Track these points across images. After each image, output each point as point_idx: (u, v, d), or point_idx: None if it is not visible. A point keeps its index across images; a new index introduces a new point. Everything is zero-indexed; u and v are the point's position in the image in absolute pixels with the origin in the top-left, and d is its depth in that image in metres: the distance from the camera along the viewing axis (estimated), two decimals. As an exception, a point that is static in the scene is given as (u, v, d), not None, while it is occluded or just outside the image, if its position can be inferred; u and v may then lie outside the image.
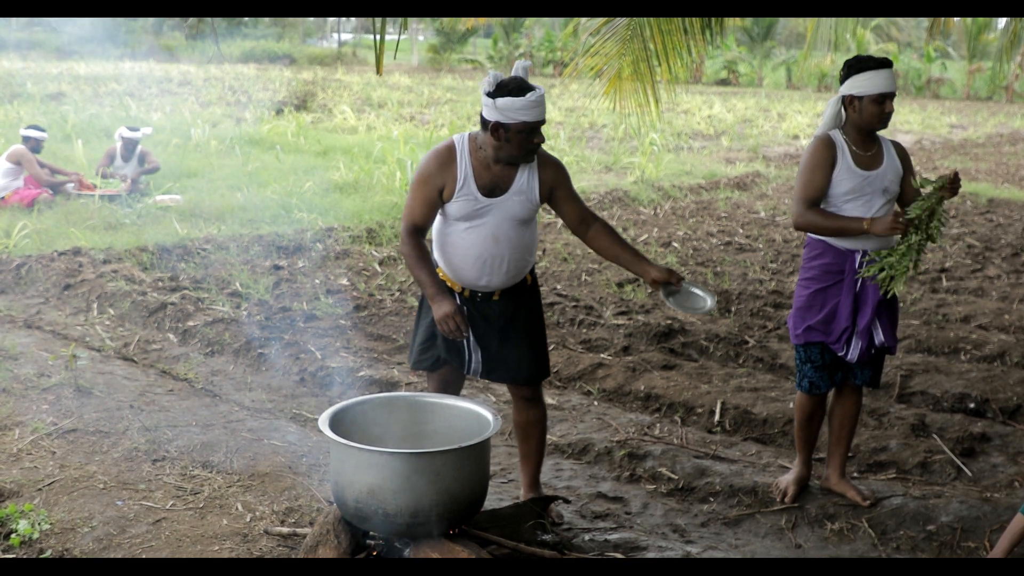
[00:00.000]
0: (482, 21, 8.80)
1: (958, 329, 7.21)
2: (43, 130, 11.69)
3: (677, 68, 7.62)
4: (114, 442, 4.96)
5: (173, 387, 5.91)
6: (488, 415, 3.76)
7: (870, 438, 5.26)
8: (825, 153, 4.28)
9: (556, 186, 4.07)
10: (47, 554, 3.89)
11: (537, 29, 49.36)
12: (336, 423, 3.64)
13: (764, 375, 6.29)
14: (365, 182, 12.88)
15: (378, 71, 4.98)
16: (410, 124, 20.51)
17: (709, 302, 4.09)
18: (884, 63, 4.21)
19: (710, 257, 9.63)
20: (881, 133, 4.44)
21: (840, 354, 4.36)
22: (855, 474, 4.95)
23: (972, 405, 5.79)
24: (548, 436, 5.02)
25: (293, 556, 3.85)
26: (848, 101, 4.27)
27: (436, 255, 4.09)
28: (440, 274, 4.05)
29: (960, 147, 22.17)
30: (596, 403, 5.94)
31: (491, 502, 4.26)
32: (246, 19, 53.64)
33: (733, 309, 7.83)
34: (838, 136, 4.32)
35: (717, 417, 5.65)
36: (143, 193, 11.53)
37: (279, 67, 38.92)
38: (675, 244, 10.22)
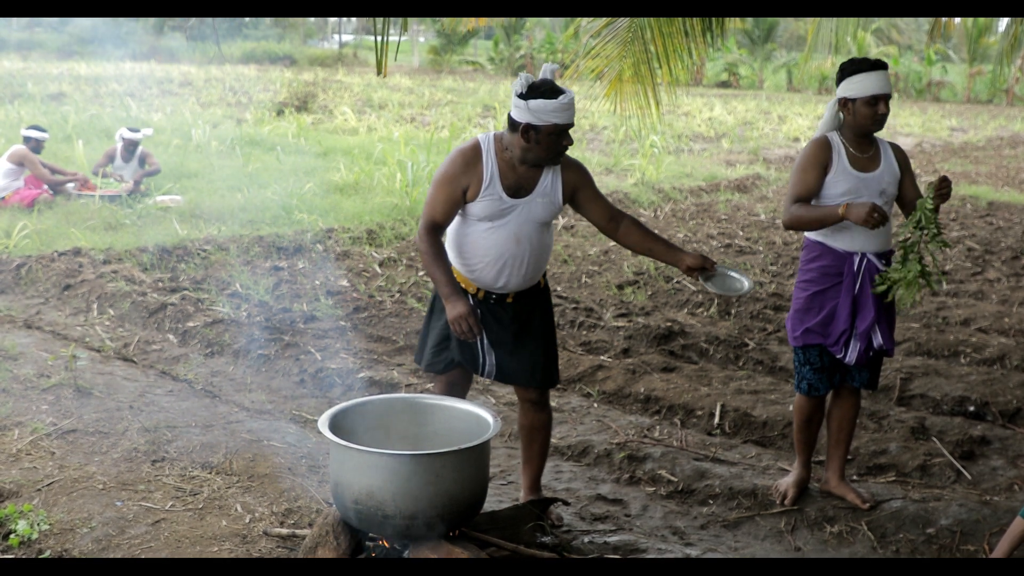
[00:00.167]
0: (483, 23, 8.79)
1: (958, 332, 7.21)
2: (44, 130, 11.69)
3: (678, 70, 7.62)
4: (114, 443, 4.96)
5: (173, 388, 5.91)
6: (488, 417, 3.76)
7: (870, 441, 5.26)
8: (819, 154, 4.30)
9: (579, 188, 4.08)
10: (46, 555, 3.89)
11: (538, 31, 49.39)
12: (336, 424, 3.64)
13: (764, 377, 6.29)
14: (365, 183, 12.88)
15: (381, 72, 4.97)
16: (411, 125, 20.51)
17: (746, 284, 4.13)
18: (876, 65, 4.21)
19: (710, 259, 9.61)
20: (880, 135, 4.45)
21: (838, 356, 4.37)
22: (855, 477, 4.95)
23: (972, 408, 5.79)
24: (548, 438, 5.02)
25: (292, 557, 3.85)
26: (843, 103, 4.29)
27: (452, 255, 4.07)
28: (455, 274, 4.05)
29: (960, 150, 22.17)
30: (596, 405, 5.94)
31: (491, 504, 4.27)
32: (247, 20, 53.66)
33: (733, 312, 7.83)
34: (835, 138, 4.33)
35: (717, 419, 5.65)
36: (143, 194, 11.52)
37: (280, 68, 38.92)
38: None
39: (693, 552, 4.16)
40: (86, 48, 40.24)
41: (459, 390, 4.31)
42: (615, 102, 7.75)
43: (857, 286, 4.30)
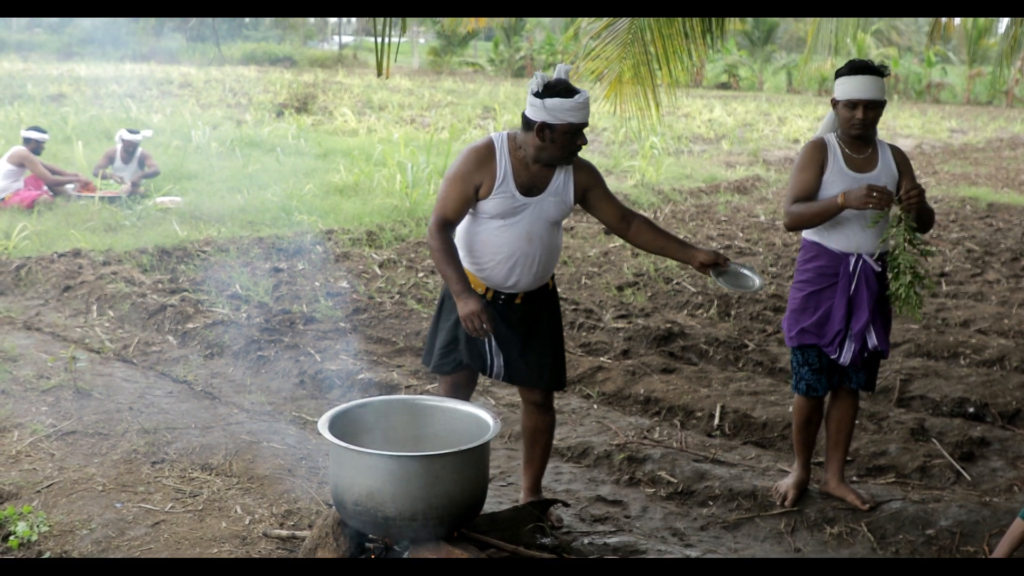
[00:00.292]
0: (483, 24, 8.79)
1: (957, 333, 7.21)
2: (44, 131, 11.69)
3: (678, 72, 7.63)
4: (113, 444, 4.95)
5: (172, 389, 5.91)
6: (488, 418, 3.76)
7: (869, 442, 5.26)
8: (814, 155, 4.32)
9: (590, 188, 4.10)
10: (46, 556, 3.88)
11: (538, 32, 49.42)
12: (335, 426, 3.64)
13: (764, 379, 6.29)
14: (365, 185, 12.88)
15: (383, 73, 4.97)
16: (411, 127, 20.52)
17: (758, 281, 4.14)
18: (864, 69, 4.20)
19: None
20: (881, 136, 4.45)
21: (833, 357, 4.37)
22: (854, 478, 4.95)
23: (971, 409, 5.79)
24: (547, 439, 5.02)
25: (292, 558, 3.85)
26: (833, 104, 4.32)
27: (462, 254, 4.05)
28: None
29: (960, 152, 22.18)
30: (596, 406, 5.94)
31: (490, 505, 4.27)
32: (247, 21, 53.69)
33: (733, 313, 7.83)
34: (832, 139, 4.35)
35: (717, 421, 5.65)
36: (142, 195, 11.52)
37: (280, 69, 38.95)
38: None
39: (693, 553, 4.16)
40: (86, 49, 40.28)
41: (464, 391, 4.30)
42: (615, 103, 7.75)
43: (852, 287, 4.30)
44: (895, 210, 4.17)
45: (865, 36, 39.68)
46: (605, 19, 7.57)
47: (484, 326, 3.80)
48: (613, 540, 4.18)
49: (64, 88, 24.12)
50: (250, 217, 10.59)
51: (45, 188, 11.20)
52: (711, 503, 4.70)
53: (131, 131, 12.04)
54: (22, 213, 10.47)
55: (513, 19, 45.13)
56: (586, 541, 4.17)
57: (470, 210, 3.99)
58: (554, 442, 5.26)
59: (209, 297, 7.70)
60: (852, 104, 4.21)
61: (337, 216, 10.96)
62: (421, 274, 8.79)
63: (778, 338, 7.13)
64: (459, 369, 4.19)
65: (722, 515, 4.59)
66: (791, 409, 5.39)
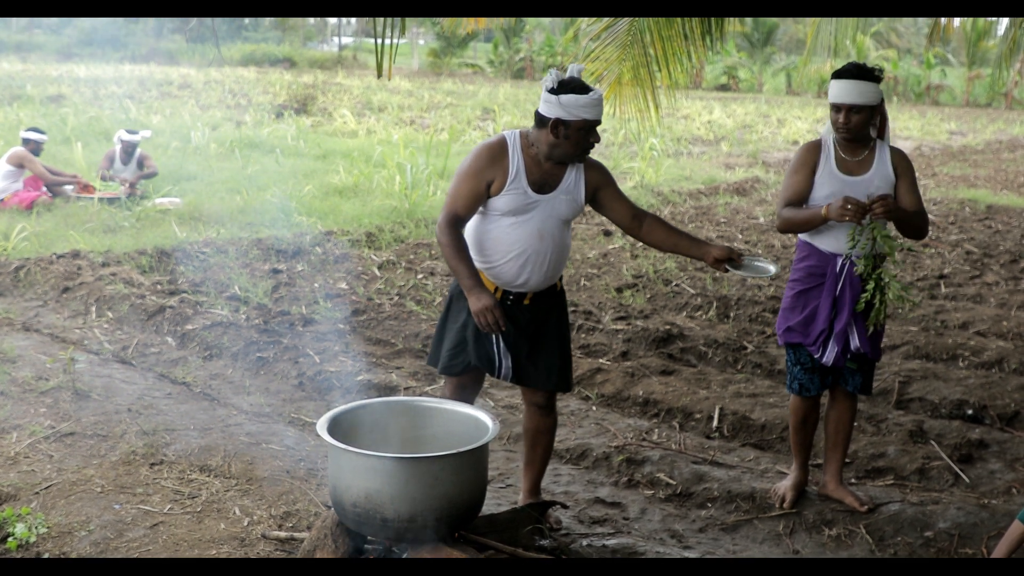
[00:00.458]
0: (482, 25, 8.80)
1: (956, 335, 7.22)
2: (43, 132, 11.70)
3: (677, 73, 7.63)
4: (112, 445, 4.95)
5: (171, 391, 5.91)
6: (487, 420, 3.76)
7: (868, 444, 5.26)
8: (807, 157, 4.36)
9: (601, 187, 4.11)
10: (44, 557, 3.88)
11: (538, 34, 49.43)
12: (334, 427, 3.64)
13: (762, 381, 6.29)
14: (365, 186, 12.88)
15: (382, 74, 4.96)
16: (410, 128, 20.52)
17: (773, 268, 4.15)
18: (845, 73, 4.21)
19: (709, 262, 9.61)
20: (889, 139, 4.46)
21: (816, 356, 4.38)
22: (853, 480, 4.95)
23: (970, 411, 5.79)
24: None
25: (291, 557, 3.85)
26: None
27: (472, 253, 4.03)
28: None
29: (959, 153, 22.19)
30: (594, 408, 5.94)
31: (489, 507, 4.27)
32: (246, 22, 53.70)
33: (732, 315, 7.83)
34: (828, 140, 4.37)
35: (715, 423, 5.65)
36: (141, 196, 11.52)
37: (279, 70, 38.94)
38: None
39: (691, 555, 4.16)
40: (85, 50, 40.28)
41: (470, 393, 4.30)
42: (614, 105, 7.76)
43: (839, 288, 4.31)
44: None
45: (864, 38, 39.69)
46: (605, 21, 7.58)
47: (498, 321, 3.80)
48: (612, 542, 4.18)
49: (63, 89, 24.12)
50: (249, 218, 10.59)
51: (44, 189, 11.20)
52: (710, 505, 4.70)
53: (130, 132, 12.04)
54: (21, 214, 10.47)
55: (513, 21, 45.15)
56: (585, 543, 4.17)
57: (480, 208, 3.99)
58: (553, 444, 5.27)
59: (208, 298, 7.70)
60: (836, 108, 4.25)
61: (336, 217, 10.96)
62: (420, 276, 8.79)
63: (776, 340, 7.13)
64: (467, 370, 4.19)
65: (721, 517, 4.59)
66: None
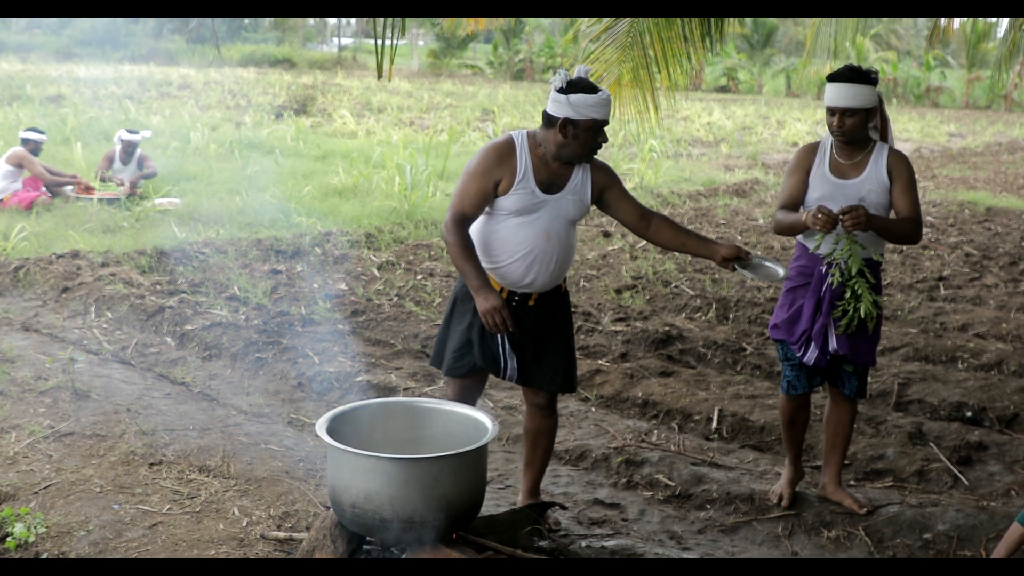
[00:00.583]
0: (482, 26, 8.79)
1: (955, 337, 7.22)
2: (42, 132, 11.70)
3: (677, 75, 7.63)
4: (111, 445, 4.95)
5: (170, 391, 5.91)
6: (486, 421, 3.76)
7: (867, 446, 5.26)
8: (802, 159, 4.39)
9: (607, 187, 4.12)
10: (43, 557, 3.88)
11: (537, 35, 49.45)
12: (333, 428, 3.64)
13: (762, 382, 6.29)
14: (364, 187, 12.88)
15: (382, 75, 4.97)
16: (409, 129, 20.52)
17: (781, 271, 4.16)
18: (839, 76, 4.21)
19: (708, 264, 9.63)
20: (892, 141, 4.46)
21: (798, 356, 4.39)
22: (852, 482, 4.95)
23: (969, 414, 5.79)
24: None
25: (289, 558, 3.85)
26: None
27: (478, 254, 4.03)
28: None
29: (959, 156, 22.19)
30: (594, 409, 5.94)
31: (488, 508, 4.27)
32: (246, 23, 53.71)
33: (731, 316, 7.83)
34: (826, 142, 4.37)
35: (714, 424, 5.65)
36: (141, 196, 11.52)
37: (279, 71, 38.91)
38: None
39: (690, 557, 4.16)
40: (85, 51, 40.28)
41: (474, 394, 4.30)
42: (614, 106, 7.75)
43: (823, 289, 4.31)
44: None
45: (864, 40, 39.69)
46: (604, 22, 7.58)
47: (506, 321, 3.80)
48: (610, 543, 4.18)
49: (63, 89, 24.12)
50: (249, 219, 10.59)
51: (43, 189, 11.19)
52: (709, 506, 4.70)
53: (130, 131, 12.04)
54: (20, 214, 10.47)
55: (512, 22, 45.17)
56: (583, 544, 4.17)
57: (487, 208, 3.99)
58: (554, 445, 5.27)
59: (207, 299, 7.70)
60: (831, 111, 4.25)
61: (336, 218, 10.96)
62: (420, 276, 8.79)
63: (776, 341, 7.13)
64: (472, 372, 4.19)
65: (719, 518, 4.59)
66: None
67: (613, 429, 5.53)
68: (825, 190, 4.28)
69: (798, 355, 4.40)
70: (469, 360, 4.12)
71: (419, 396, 5.81)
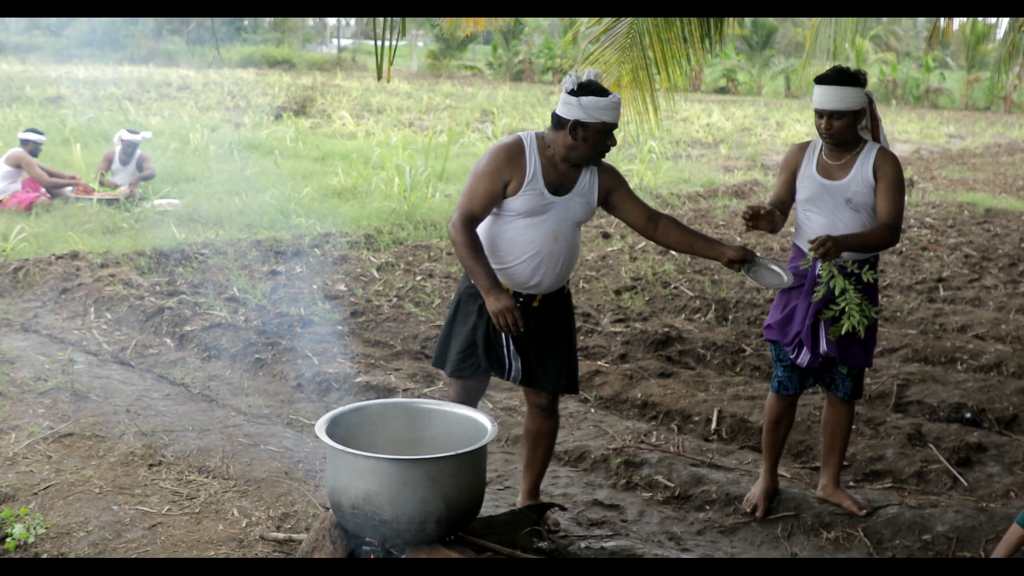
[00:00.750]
0: (481, 27, 8.79)
1: (955, 339, 7.22)
2: (41, 133, 11.70)
3: (676, 76, 7.63)
4: (110, 446, 4.95)
5: (170, 392, 5.91)
6: (485, 422, 3.76)
7: (866, 447, 5.26)
8: (790, 159, 4.44)
9: (614, 189, 4.12)
10: (43, 558, 3.88)
11: (536, 36, 49.47)
12: (333, 429, 3.64)
13: (761, 383, 6.29)
14: (363, 188, 12.88)
15: (382, 77, 4.97)
16: (409, 130, 20.52)
17: (786, 278, 4.19)
18: (825, 78, 4.21)
19: (708, 265, 9.63)
20: (885, 141, 4.46)
21: (792, 357, 4.39)
22: (851, 483, 4.95)
23: (968, 415, 5.79)
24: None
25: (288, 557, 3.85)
26: None
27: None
28: None
29: (958, 157, 22.20)
30: (593, 410, 5.94)
31: (487, 509, 4.26)
32: (246, 24, 53.72)
33: (730, 317, 7.83)
34: (817, 142, 4.39)
35: (714, 425, 5.65)
36: (141, 197, 11.52)
37: (278, 72, 38.95)
38: (673, 252, 10.22)
39: (689, 558, 4.16)
40: (84, 52, 40.28)
41: (477, 395, 4.30)
42: (613, 107, 7.73)
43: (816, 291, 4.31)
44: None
45: (863, 41, 39.72)
46: (604, 23, 7.58)
47: (518, 321, 3.81)
48: (610, 544, 4.18)
49: (62, 90, 24.12)
50: (248, 220, 10.59)
51: (43, 190, 11.19)
52: (708, 507, 4.70)
53: (131, 131, 12.04)
54: (20, 215, 10.47)
55: (512, 23, 45.17)
56: (583, 545, 4.17)
57: (495, 209, 3.99)
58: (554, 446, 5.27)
59: (207, 300, 7.70)
60: (819, 113, 4.25)
61: (335, 219, 10.96)
62: (419, 277, 8.80)
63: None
64: (477, 374, 4.19)
65: (719, 519, 4.59)
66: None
67: (612, 430, 5.53)
68: (813, 191, 4.30)
69: (791, 356, 4.40)
70: (474, 362, 4.12)
71: (418, 397, 5.81)
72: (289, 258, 9.26)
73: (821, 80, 4.22)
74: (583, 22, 8.40)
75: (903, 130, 27.30)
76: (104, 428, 5.17)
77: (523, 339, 4.07)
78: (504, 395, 6.08)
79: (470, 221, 3.91)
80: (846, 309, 4.16)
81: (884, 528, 4.38)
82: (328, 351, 6.61)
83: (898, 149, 22.47)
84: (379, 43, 4.87)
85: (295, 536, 4.01)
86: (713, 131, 24.26)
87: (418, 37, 57.06)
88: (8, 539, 3.94)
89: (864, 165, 4.27)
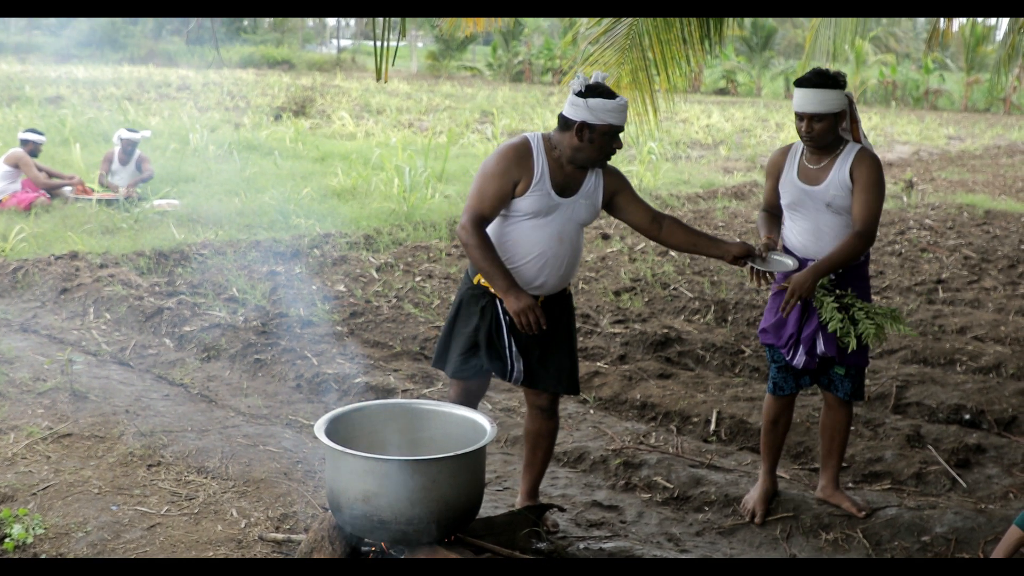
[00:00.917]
0: (481, 28, 8.80)
1: (954, 340, 7.22)
2: (41, 133, 11.70)
3: (676, 77, 7.63)
4: (109, 447, 4.95)
5: (169, 392, 5.91)
6: (484, 423, 3.76)
7: (865, 449, 5.26)
8: (773, 164, 4.48)
9: (618, 191, 4.14)
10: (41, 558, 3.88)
11: (536, 37, 49.50)
12: (332, 429, 3.64)
13: (760, 384, 6.29)
14: (363, 188, 12.88)
15: (381, 78, 4.96)
16: (408, 131, 20.52)
17: (791, 263, 4.23)
18: (805, 81, 4.20)
19: (707, 266, 9.64)
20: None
21: (787, 359, 4.39)
22: (850, 484, 4.95)
23: (967, 416, 5.79)
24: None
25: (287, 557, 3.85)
26: None
27: None
28: (484, 279, 4.03)
29: (957, 159, 22.20)
30: (592, 411, 5.94)
31: (486, 510, 4.26)
32: (245, 24, 53.72)
33: (730, 319, 7.83)
34: (798, 145, 4.38)
35: (713, 426, 5.65)
36: (140, 198, 11.52)
37: (278, 73, 38.96)
38: (672, 253, 10.23)
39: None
40: (84, 52, 40.28)
41: (477, 396, 4.30)
42: (613, 108, 7.73)
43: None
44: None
45: (863, 43, 39.73)
46: (603, 24, 7.58)
47: (540, 319, 3.82)
48: (609, 545, 4.18)
49: (62, 90, 24.13)
50: (247, 220, 10.59)
51: (42, 190, 11.19)
52: (707, 508, 4.70)
53: (130, 130, 12.04)
54: (19, 215, 10.47)
55: (511, 24, 45.19)
56: (582, 546, 4.17)
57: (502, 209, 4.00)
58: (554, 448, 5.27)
59: (206, 300, 7.70)
60: (799, 116, 4.24)
61: (334, 220, 10.96)
62: (418, 278, 8.80)
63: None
64: (479, 375, 4.19)
65: (718, 521, 4.59)
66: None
67: (611, 431, 5.53)
68: (794, 196, 4.31)
69: (787, 358, 4.40)
70: (476, 363, 4.12)
71: (417, 398, 5.81)
72: (288, 259, 9.26)
73: (800, 83, 4.21)
74: (583, 23, 8.40)
75: (902, 131, 27.30)
76: (103, 428, 5.17)
77: (526, 340, 4.08)
78: (503, 396, 6.08)
79: (480, 222, 3.91)
80: (839, 319, 4.17)
81: (883, 529, 4.38)
82: (327, 352, 6.61)
83: (897, 151, 22.48)
84: (378, 44, 4.87)
85: (294, 537, 4.01)
86: (713, 132, 24.27)
87: (418, 38, 57.08)
88: (7, 539, 3.94)
89: (842, 168, 4.25)
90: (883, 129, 27.44)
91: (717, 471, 5.01)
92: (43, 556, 3.89)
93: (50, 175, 11.41)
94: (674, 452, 5.25)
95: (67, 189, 11.39)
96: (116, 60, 39.48)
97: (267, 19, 54.59)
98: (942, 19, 10.44)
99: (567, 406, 5.97)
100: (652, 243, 10.79)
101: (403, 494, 3.39)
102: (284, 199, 11.57)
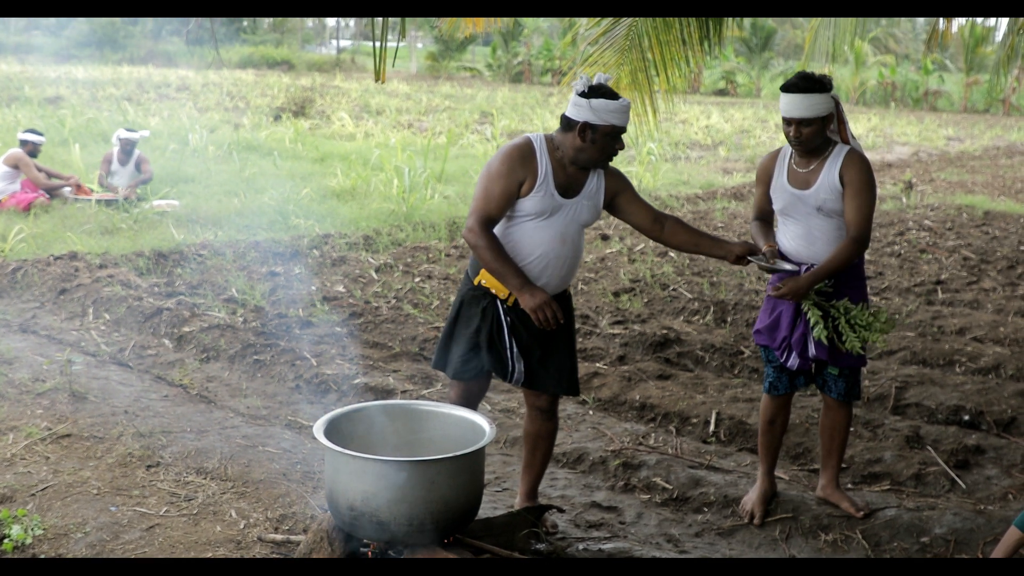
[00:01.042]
0: (480, 28, 8.79)
1: (953, 341, 7.22)
2: (40, 134, 11.70)
3: (675, 78, 7.63)
4: (108, 448, 4.95)
5: (168, 393, 5.91)
6: (483, 424, 3.76)
7: (864, 449, 5.26)
8: (763, 170, 4.49)
9: (620, 192, 4.15)
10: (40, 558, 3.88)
11: (536, 38, 49.49)
12: (331, 430, 3.63)
13: (759, 386, 6.29)
14: (362, 189, 12.88)
15: (380, 78, 4.96)
16: (408, 131, 20.52)
17: (788, 266, 4.25)
18: (790, 86, 4.18)
19: (706, 267, 9.64)
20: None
21: (781, 361, 4.40)
22: (849, 485, 4.95)
23: (967, 417, 5.79)
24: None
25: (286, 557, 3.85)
26: None
27: None
28: (485, 280, 4.04)
29: (957, 159, 22.21)
30: (591, 412, 5.94)
31: (485, 511, 4.26)
32: (245, 25, 53.71)
33: (729, 320, 7.83)
34: (787, 149, 4.38)
35: (712, 427, 5.65)
36: (139, 198, 11.52)
37: (277, 73, 38.96)
38: (672, 254, 10.23)
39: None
40: (83, 52, 40.28)
41: (477, 397, 4.30)
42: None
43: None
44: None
45: (862, 43, 39.75)
46: (603, 25, 7.58)
47: (557, 315, 3.83)
48: (608, 546, 4.18)
49: (61, 91, 24.13)
50: (247, 221, 10.59)
51: (42, 190, 11.19)
52: (706, 509, 4.70)
53: (129, 130, 12.04)
54: (18, 215, 10.47)
55: (511, 24, 45.19)
56: (581, 547, 4.17)
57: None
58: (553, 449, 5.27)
59: (205, 301, 7.70)
60: (786, 121, 4.22)
61: (334, 220, 10.96)
62: (418, 279, 8.80)
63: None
64: (480, 376, 4.19)
65: (717, 522, 4.59)
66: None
67: (611, 432, 5.53)
68: (785, 201, 4.31)
69: (781, 360, 4.41)
70: (476, 364, 4.12)
71: (417, 399, 5.81)
72: (288, 259, 9.26)
73: (787, 88, 4.19)
74: (582, 24, 8.40)
75: (902, 132, 27.31)
76: (102, 429, 5.17)
77: (527, 341, 4.08)
78: (502, 397, 6.08)
79: (488, 223, 3.92)
80: (820, 324, 4.19)
81: (882, 530, 4.38)
82: (326, 352, 6.61)
83: (896, 152, 22.49)
84: (377, 44, 4.87)
85: (293, 537, 4.01)
86: (712, 133, 24.28)
87: (417, 39, 57.09)
88: (6, 540, 3.94)
89: (831, 171, 4.23)
90: (882, 130, 27.45)
91: (716, 472, 5.02)
92: (42, 557, 3.89)
93: (49, 175, 11.41)
94: (673, 453, 5.25)
95: (66, 190, 11.39)
96: (115, 60, 39.49)
97: (267, 19, 54.59)
98: (941, 20, 10.44)
99: (566, 407, 5.97)
100: (651, 244, 10.79)
101: (402, 495, 3.38)
102: (283, 200, 11.58)
